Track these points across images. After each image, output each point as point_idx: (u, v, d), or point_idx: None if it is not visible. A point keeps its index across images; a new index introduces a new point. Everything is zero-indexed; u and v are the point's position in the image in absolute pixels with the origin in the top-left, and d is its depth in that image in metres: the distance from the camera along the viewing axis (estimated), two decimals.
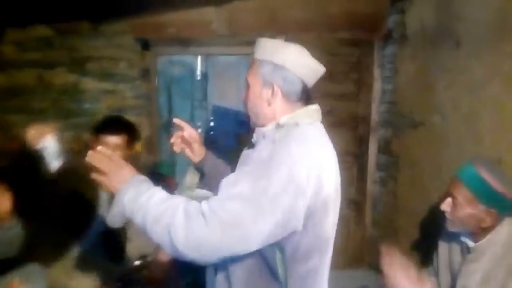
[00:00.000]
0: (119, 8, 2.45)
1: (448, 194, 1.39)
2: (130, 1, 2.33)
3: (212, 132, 3.43)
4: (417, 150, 2.37)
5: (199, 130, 3.43)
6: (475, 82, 1.87)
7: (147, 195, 1.01)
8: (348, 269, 2.94)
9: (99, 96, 2.56)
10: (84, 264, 1.88)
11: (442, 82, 2.12)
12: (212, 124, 3.42)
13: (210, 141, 3.43)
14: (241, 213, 0.95)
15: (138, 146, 1.92)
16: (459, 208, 1.35)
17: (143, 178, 1.08)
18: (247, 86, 1.21)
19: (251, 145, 1.21)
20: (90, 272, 1.89)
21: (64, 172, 1.75)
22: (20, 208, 1.65)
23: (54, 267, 1.82)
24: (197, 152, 1.39)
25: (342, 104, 2.83)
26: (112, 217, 1.63)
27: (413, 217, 2.41)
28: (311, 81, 1.18)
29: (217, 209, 0.96)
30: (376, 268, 2.91)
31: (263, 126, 1.18)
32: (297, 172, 0.99)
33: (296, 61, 1.15)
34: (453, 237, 1.49)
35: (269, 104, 1.16)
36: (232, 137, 3.27)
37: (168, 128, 3.39)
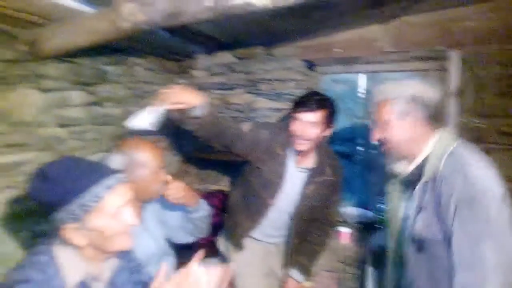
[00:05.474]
0: (290, 33, 2.66)
1: None
2: (299, 27, 2.51)
3: (373, 151, 3.35)
4: None
5: (360, 148, 3.41)
6: None
7: None
8: None
9: (269, 113, 2.81)
10: None
11: None
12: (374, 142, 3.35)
13: (370, 160, 3.37)
14: None
15: None
16: None
17: None
18: (388, 126, 1.40)
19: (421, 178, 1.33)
20: None
21: None
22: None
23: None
24: None
25: None
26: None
27: None
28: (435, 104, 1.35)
29: None
30: None
31: (414, 151, 1.37)
32: None
33: (419, 91, 1.33)
34: None
35: (411, 130, 1.35)
36: None
37: (329, 144, 3.47)
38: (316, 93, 1.90)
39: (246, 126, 1.88)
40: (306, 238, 2.08)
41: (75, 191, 1.02)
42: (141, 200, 1.66)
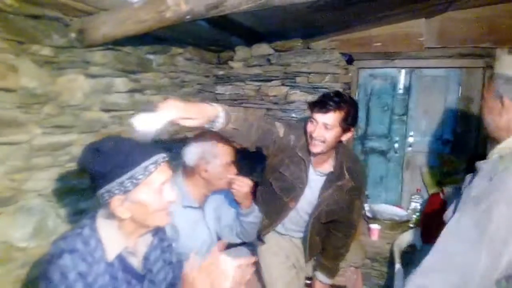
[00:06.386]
0: (329, 26, 2.64)
1: None
2: (339, 20, 2.48)
3: (410, 148, 3.28)
4: None
5: (396, 145, 3.34)
6: None
7: None
8: None
9: (304, 106, 2.80)
10: None
11: None
12: (411, 140, 3.27)
13: (407, 158, 3.30)
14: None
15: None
16: None
17: None
18: (483, 99, 1.24)
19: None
20: None
21: None
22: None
23: None
24: None
25: None
26: None
27: None
28: None
29: None
30: None
31: (498, 137, 1.19)
32: None
33: None
34: None
35: (501, 116, 1.16)
36: (434, 156, 3.06)
37: (364, 140, 3.42)
38: (337, 94, 1.76)
39: (281, 130, 1.82)
40: (328, 239, 2.07)
41: (127, 164, 1.10)
42: (209, 190, 1.78)
